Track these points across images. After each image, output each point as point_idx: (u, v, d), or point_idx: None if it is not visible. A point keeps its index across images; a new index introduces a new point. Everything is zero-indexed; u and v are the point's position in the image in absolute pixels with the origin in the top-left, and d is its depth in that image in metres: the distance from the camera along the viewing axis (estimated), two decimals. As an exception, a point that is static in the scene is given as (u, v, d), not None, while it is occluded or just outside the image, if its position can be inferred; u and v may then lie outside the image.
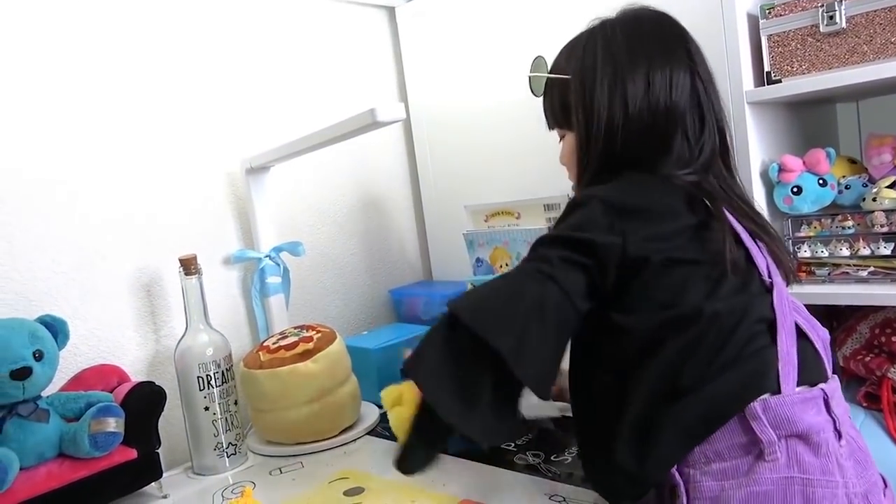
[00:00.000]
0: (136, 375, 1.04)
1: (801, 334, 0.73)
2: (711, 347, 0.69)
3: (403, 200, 1.46)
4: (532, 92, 0.87)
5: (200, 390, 0.99)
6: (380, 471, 0.94)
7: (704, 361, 0.69)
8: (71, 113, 1.00)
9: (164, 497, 0.95)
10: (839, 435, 0.69)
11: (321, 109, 1.28)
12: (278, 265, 1.17)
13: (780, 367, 0.68)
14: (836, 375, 0.75)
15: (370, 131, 0.88)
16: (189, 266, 1.00)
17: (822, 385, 0.70)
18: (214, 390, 0.99)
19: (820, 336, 0.77)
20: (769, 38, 1.03)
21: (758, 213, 0.82)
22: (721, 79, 1.01)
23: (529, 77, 0.86)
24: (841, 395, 0.74)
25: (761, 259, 0.76)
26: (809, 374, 0.71)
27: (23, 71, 0.95)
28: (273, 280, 1.16)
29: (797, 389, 0.68)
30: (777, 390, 0.68)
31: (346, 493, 0.88)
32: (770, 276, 0.75)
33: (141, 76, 1.07)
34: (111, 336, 1.03)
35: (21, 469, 0.84)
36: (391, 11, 1.40)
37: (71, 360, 0.98)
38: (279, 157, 1.06)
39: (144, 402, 0.94)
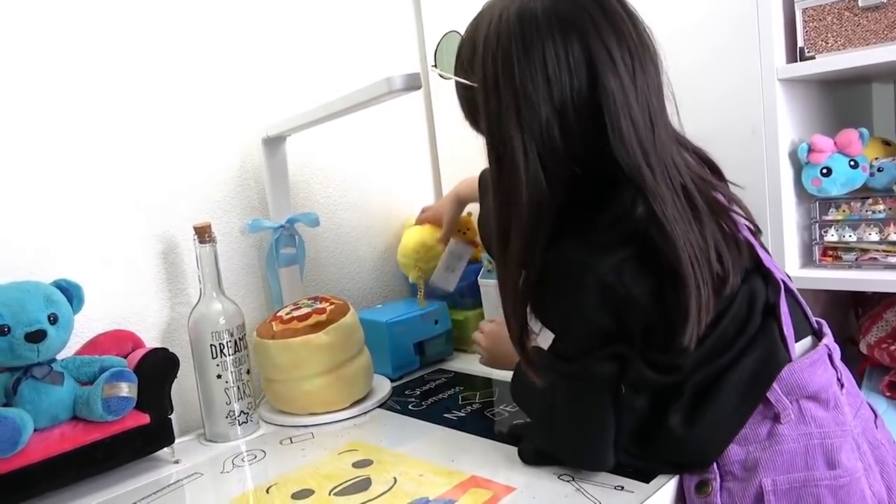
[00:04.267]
0: (152, 342, 1.05)
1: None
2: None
3: (422, 173, 1.44)
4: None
5: (213, 358, 0.99)
6: (389, 443, 0.94)
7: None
8: (91, 80, 0.99)
9: (176, 462, 0.96)
10: (842, 385, 0.74)
11: (341, 77, 1.26)
12: (293, 236, 1.16)
13: (785, 332, 0.70)
14: (822, 321, 0.79)
15: (386, 101, 0.86)
16: (203, 234, 1.00)
17: (825, 341, 0.75)
18: (227, 359, 1.00)
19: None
20: (804, 11, 0.99)
21: (707, 157, 0.78)
22: (751, 54, 0.98)
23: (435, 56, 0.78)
24: (832, 338, 0.77)
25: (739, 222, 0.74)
26: (801, 327, 0.75)
27: (49, 39, 0.95)
28: (287, 251, 1.16)
29: (806, 356, 0.71)
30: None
31: (355, 465, 0.88)
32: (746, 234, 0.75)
33: (161, 43, 1.06)
34: (127, 302, 1.04)
35: (35, 430, 0.85)
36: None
37: (86, 325, 0.99)
38: (295, 126, 1.04)
39: (157, 369, 0.94)
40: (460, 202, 1.22)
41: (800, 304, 0.77)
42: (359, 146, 1.33)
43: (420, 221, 1.29)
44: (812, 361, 0.72)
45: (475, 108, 0.72)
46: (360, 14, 1.32)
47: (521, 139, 0.66)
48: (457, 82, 0.76)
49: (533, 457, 0.82)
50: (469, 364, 1.24)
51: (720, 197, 0.73)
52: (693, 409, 0.70)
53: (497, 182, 0.71)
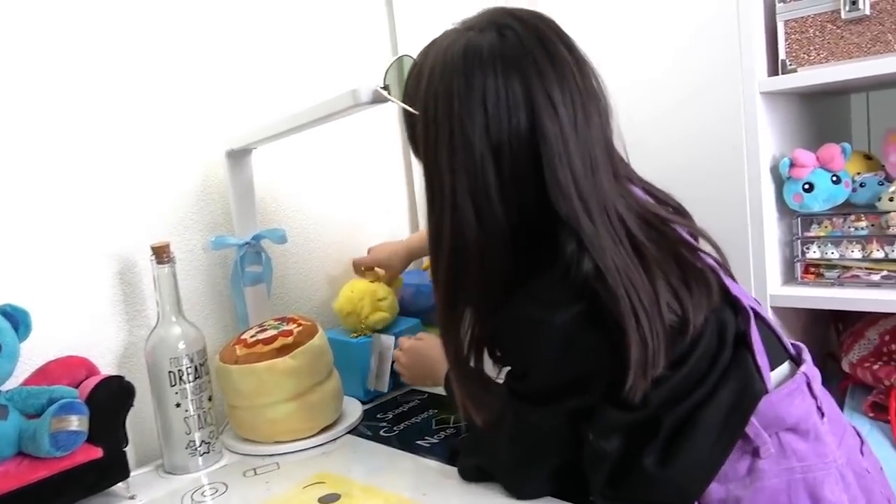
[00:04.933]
0: (108, 368, 0.99)
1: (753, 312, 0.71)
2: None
3: (396, 187, 1.39)
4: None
5: (172, 386, 0.94)
6: (358, 475, 0.90)
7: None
8: (40, 92, 0.93)
9: (132, 498, 0.90)
10: (822, 413, 0.71)
11: (311, 89, 1.21)
12: (259, 253, 1.11)
13: (759, 362, 0.67)
14: (801, 345, 0.76)
15: (353, 113, 0.82)
16: (161, 254, 0.94)
17: (802, 369, 0.71)
18: (187, 386, 0.94)
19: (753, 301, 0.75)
20: (786, 23, 0.97)
21: (668, 198, 0.77)
22: (732, 67, 0.95)
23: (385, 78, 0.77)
24: (812, 364, 0.74)
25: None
26: (775, 354, 0.71)
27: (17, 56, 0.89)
28: (253, 269, 1.11)
29: (782, 386, 0.68)
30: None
31: (321, 501, 0.83)
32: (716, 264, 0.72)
33: (117, 54, 1.00)
34: (80, 327, 0.97)
35: (-24, 469, 0.80)
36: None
37: (35, 352, 0.93)
38: (260, 138, 0.99)
39: (112, 399, 0.89)
40: (410, 255, 1.20)
41: (773, 329, 0.74)
42: (330, 160, 1.28)
43: (357, 266, 1.22)
44: (790, 391, 0.69)
45: (416, 137, 0.71)
46: (332, 24, 1.28)
47: (453, 176, 0.64)
48: (404, 112, 0.73)
49: (473, 473, 0.82)
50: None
51: (683, 233, 0.71)
52: (669, 447, 0.66)
53: (429, 218, 0.69)
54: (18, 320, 0.86)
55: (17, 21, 0.91)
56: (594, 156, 0.65)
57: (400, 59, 0.76)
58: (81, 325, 0.98)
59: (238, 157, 1.07)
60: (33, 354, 0.92)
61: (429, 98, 0.67)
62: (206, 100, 1.10)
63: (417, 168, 1.37)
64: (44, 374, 0.91)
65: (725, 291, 0.70)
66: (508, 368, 0.76)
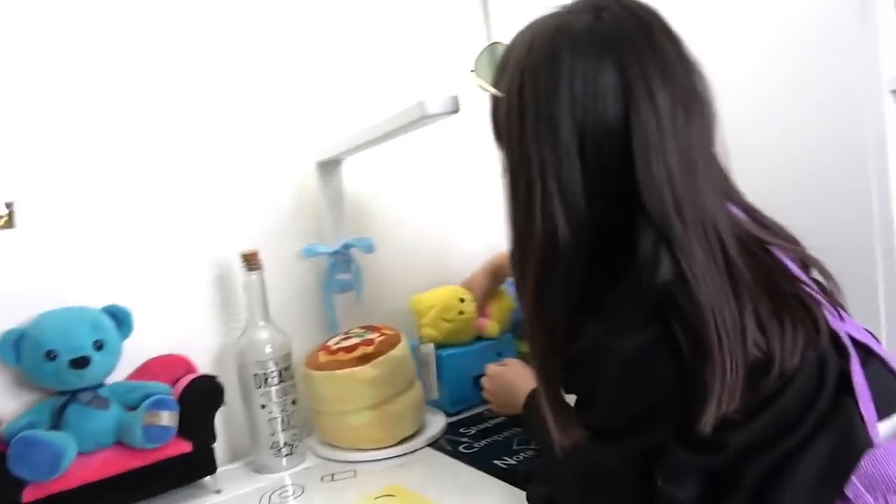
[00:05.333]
0: (206, 368, 1.04)
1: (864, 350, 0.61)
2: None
3: (490, 198, 1.36)
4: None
5: (257, 388, 0.97)
6: (429, 491, 0.88)
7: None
8: (148, 108, 1.01)
9: (218, 492, 0.94)
10: None
11: (402, 99, 1.22)
12: (348, 262, 1.13)
13: (862, 410, 0.57)
14: None
15: (423, 126, 0.80)
16: (251, 261, 0.98)
17: None
18: (271, 389, 0.97)
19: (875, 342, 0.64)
20: (925, 10, 0.84)
21: (772, 223, 0.68)
22: (857, 65, 0.84)
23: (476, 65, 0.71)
24: None
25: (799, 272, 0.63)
26: (887, 401, 0.60)
27: (103, 67, 0.97)
28: (343, 276, 1.13)
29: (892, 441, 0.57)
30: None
31: (386, 513, 0.83)
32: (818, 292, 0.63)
33: (218, 68, 1.06)
34: (182, 327, 1.04)
35: (79, 454, 0.86)
36: (485, -8, 1.31)
37: (140, 350, 1.00)
38: (345, 150, 1.01)
39: (202, 397, 0.94)
40: (495, 275, 1.16)
41: (892, 371, 0.63)
42: (424, 170, 1.28)
43: None
44: None
45: (499, 122, 0.66)
46: (428, 32, 1.28)
47: (540, 162, 0.59)
48: (491, 97, 0.69)
49: (540, 501, 0.76)
50: (535, 401, 1.15)
51: (786, 261, 0.62)
52: (755, 501, 0.58)
53: (511, 212, 0.64)
54: (121, 320, 0.93)
55: (126, 41, 0.99)
56: (693, 159, 0.58)
57: (492, 45, 0.72)
58: (183, 326, 1.04)
59: (328, 167, 1.09)
60: (139, 352, 0.99)
61: (514, 79, 0.63)
62: (300, 113, 1.14)
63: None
64: (146, 370, 0.98)
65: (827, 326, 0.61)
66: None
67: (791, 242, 0.68)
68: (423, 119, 0.76)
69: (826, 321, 0.60)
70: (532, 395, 0.88)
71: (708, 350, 0.54)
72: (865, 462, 0.56)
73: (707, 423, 0.55)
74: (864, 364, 0.60)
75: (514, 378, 0.99)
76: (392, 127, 0.82)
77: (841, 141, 0.86)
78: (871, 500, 0.56)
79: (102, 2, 0.97)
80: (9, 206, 0.92)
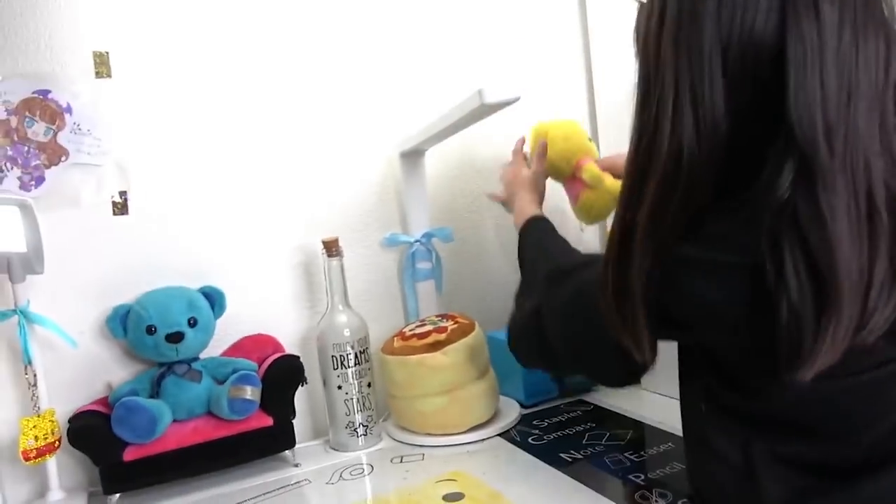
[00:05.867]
0: (292, 347, 1.11)
1: None
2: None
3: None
4: None
5: (334, 369, 1.02)
6: (491, 478, 0.88)
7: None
8: (243, 97, 1.09)
9: (296, 465, 1.00)
10: None
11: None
12: (429, 251, 1.15)
13: None
14: None
15: (485, 116, 0.81)
16: (331, 248, 1.03)
17: None
18: (348, 371, 1.02)
19: None
20: None
21: None
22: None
23: None
24: None
25: None
26: None
27: (201, 65, 1.06)
28: (423, 265, 1.15)
29: None
30: None
31: (445, 498, 0.84)
32: None
33: (307, 64, 1.12)
34: (271, 308, 1.11)
35: (174, 421, 0.95)
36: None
37: (235, 328, 1.08)
38: (421, 140, 1.03)
39: (283, 374, 1.00)
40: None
41: None
42: (502, 157, 1.27)
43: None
44: None
45: (640, 26, 0.61)
46: (519, 24, 1.27)
47: (675, 70, 0.54)
48: (638, 4, 0.63)
49: (528, 308, 0.80)
50: (616, 399, 1.12)
51: None
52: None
53: (637, 121, 0.59)
54: (215, 300, 1.01)
55: (221, 42, 1.07)
56: (856, 81, 0.51)
57: None
58: (272, 308, 1.11)
59: (411, 157, 1.12)
60: (233, 329, 1.08)
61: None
62: (385, 104, 1.17)
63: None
64: (238, 348, 1.06)
65: None
66: None
67: None
68: (481, 108, 0.76)
69: None
70: (530, 221, 0.95)
71: (831, 294, 0.48)
72: None
73: (807, 372, 0.50)
74: None
75: (516, 187, 1.03)
76: (454, 118, 0.83)
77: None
78: None
79: (209, 9, 1.06)
80: (123, 194, 1.03)
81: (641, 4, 0.62)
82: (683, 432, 0.70)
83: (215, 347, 1.05)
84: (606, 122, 1.28)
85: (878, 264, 0.49)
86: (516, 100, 0.77)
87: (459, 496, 0.84)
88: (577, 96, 1.31)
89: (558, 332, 0.76)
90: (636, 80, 0.60)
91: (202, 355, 1.02)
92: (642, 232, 0.57)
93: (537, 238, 0.93)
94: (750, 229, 0.51)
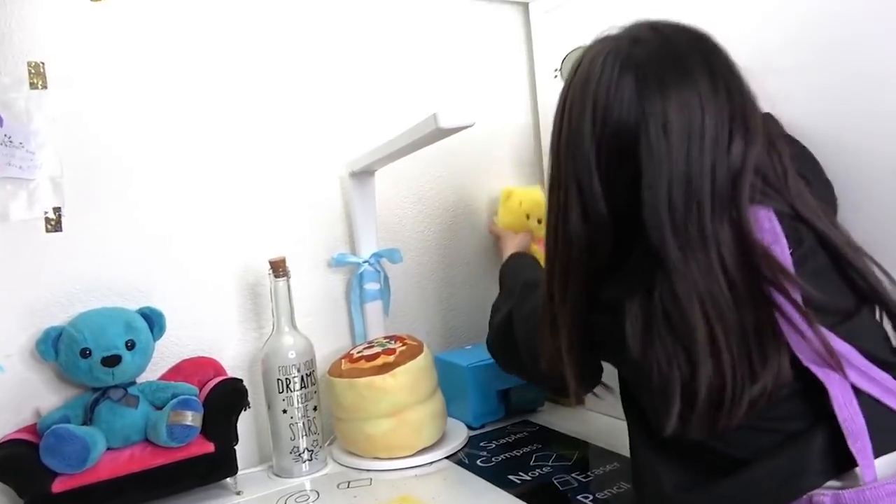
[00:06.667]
0: (235, 371, 1.07)
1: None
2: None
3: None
4: None
5: (279, 392, 1.00)
6: (441, 503, 0.88)
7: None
8: (186, 111, 1.05)
9: (238, 493, 0.97)
10: None
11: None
12: (377, 272, 1.14)
13: (851, 445, 0.55)
14: None
15: (439, 140, 0.81)
16: (278, 268, 1.01)
17: None
18: (293, 394, 1.00)
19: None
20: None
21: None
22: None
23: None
24: None
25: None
26: (885, 438, 0.57)
27: (142, 77, 1.02)
28: (371, 286, 1.14)
29: (890, 479, 0.55)
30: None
31: (394, 523, 0.83)
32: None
33: (255, 77, 1.10)
34: (213, 330, 1.07)
35: (108, 449, 0.91)
36: (524, 7, 1.32)
37: (174, 351, 1.04)
38: (372, 161, 1.03)
39: (225, 399, 0.97)
40: None
41: (886, 406, 0.59)
42: (458, 180, 1.29)
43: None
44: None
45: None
46: (465, 46, 1.29)
47: (566, 164, 0.64)
48: None
49: (504, 312, 0.92)
50: (561, 419, 1.14)
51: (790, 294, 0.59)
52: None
53: (547, 211, 0.69)
54: (154, 322, 0.97)
55: (165, 56, 1.04)
56: (704, 186, 0.59)
57: (576, 51, 0.77)
58: (214, 330, 1.07)
59: (361, 177, 1.12)
60: (172, 353, 1.04)
61: (562, 93, 0.68)
62: (335, 123, 1.16)
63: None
64: (177, 371, 1.02)
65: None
66: None
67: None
68: (436, 132, 0.77)
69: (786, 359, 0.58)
70: (511, 256, 1.09)
71: (698, 367, 0.56)
72: (853, 499, 0.54)
73: (677, 428, 0.58)
74: (857, 393, 0.57)
75: (504, 244, 1.16)
76: (408, 141, 0.83)
77: None
78: None
79: (150, 22, 1.03)
80: (57, 210, 0.98)
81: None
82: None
83: (152, 371, 1.00)
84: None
85: (732, 342, 0.57)
86: (470, 125, 0.78)
87: (409, 521, 0.83)
88: (523, 119, 1.34)
89: (523, 337, 0.86)
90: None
91: (139, 380, 0.97)
92: (558, 302, 0.68)
93: (520, 261, 1.06)
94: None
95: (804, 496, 0.56)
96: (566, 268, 0.66)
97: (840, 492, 0.55)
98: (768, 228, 0.61)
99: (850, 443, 0.56)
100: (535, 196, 1.19)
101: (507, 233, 1.20)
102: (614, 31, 0.67)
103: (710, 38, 0.64)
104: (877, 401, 0.59)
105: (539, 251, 1.15)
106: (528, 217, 1.19)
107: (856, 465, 0.56)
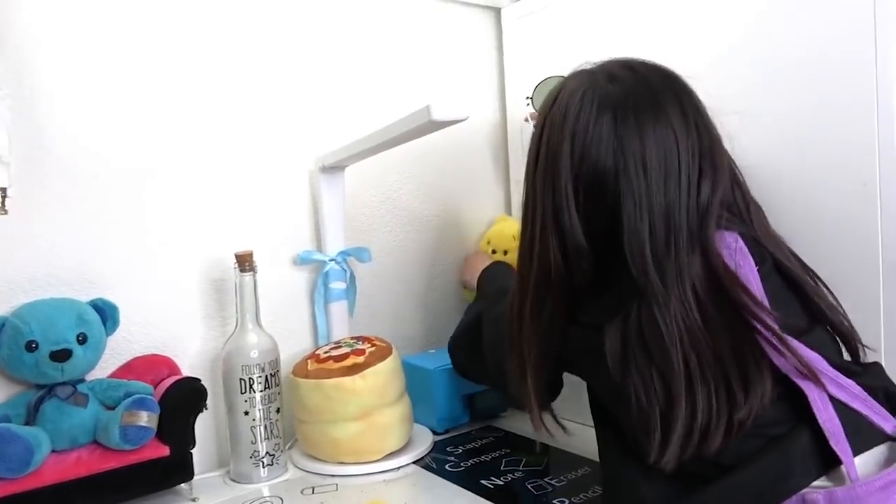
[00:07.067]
0: (193, 370, 1.01)
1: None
2: None
3: (493, 210, 1.35)
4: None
5: (242, 393, 0.95)
6: (412, 508, 0.85)
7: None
8: (150, 94, 0.99)
9: (194, 500, 0.91)
10: None
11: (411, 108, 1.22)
12: (344, 270, 1.11)
13: (834, 445, 0.58)
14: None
15: (430, 132, 0.79)
16: (244, 262, 0.96)
17: None
18: (256, 395, 0.95)
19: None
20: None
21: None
22: (866, 86, 0.82)
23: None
24: None
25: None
26: (864, 435, 0.60)
27: (108, 63, 0.96)
28: (337, 285, 1.11)
29: (878, 476, 0.57)
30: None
31: (368, 529, 0.80)
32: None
33: (224, 67, 1.05)
34: (170, 327, 1.01)
35: (53, 451, 0.84)
36: (496, 12, 1.32)
37: (126, 347, 0.97)
38: (348, 156, 1.00)
39: (183, 399, 0.91)
40: None
41: (855, 410, 0.62)
42: (428, 178, 1.27)
43: None
44: (886, 483, 0.57)
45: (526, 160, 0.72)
46: (439, 48, 1.28)
47: (542, 198, 0.66)
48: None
49: (474, 311, 0.96)
50: (524, 423, 1.12)
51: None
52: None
53: (520, 238, 0.71)
54: (107, 315, 0.91)
55: (128, 41, 0.98)
56: (680, 223, 0.62)
57: (551, 79, 0.81)
58: (171, 326, 1.01)
59: (331, 173, 1.08)
60: (124, 349, 0.97)
61: (538, 123, 0.69)
62: (305, 115, 1.12)
63: (517, 195, 1.33)
64: (129, 368, 0.96)
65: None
66: None
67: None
68: (429, 125, 0.75)
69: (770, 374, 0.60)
70: (493, 263, 1.10)
71: (675, 397, 0.58)
72: (845, 496, 0.56)
73: (669, 462, 0.59)
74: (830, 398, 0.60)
75: (477, 266, 1.13)
76: (398, 132, 0.81)
77: (849, 169, 0.84)
78: None
79: (107, 7, 0.97)
80: (2, 191, 0.90)
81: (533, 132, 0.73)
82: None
83: (101, 369, 0.93)
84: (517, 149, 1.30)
85: (708, 374, 0.59)
86: (464, 119, 0.77)
87: (383, 527, 0.80)
88: (492, 119, 1.34)
89: (490, 340, 0.88)
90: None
91: (88, 377, 0.90)
92: (529, 324, 0.69)
93: (500, 267, 1.08)
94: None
95: (795, 497, 0.57)
96: (542, 289, 0.68)
97: (833, 490, 0.57)
98: (735, 247, 0.65)
99: (832, 443, 0.58)
100: (502, 227, 1.22)
101: (482, 254, 1.22)
102: (589, 67, 0.69)
103: (680, 78, 0.67)
104: (846, 405, 0.61)
105: None
106: (488, 242, 1.22)
107: (838, 464, 0.58)
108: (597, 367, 0.64)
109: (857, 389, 0.63)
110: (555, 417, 0.75)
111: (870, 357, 0.71)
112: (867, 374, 0.67)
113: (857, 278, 0.82)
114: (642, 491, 0.63)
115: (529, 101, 1.12)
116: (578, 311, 0.67)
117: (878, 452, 0.61)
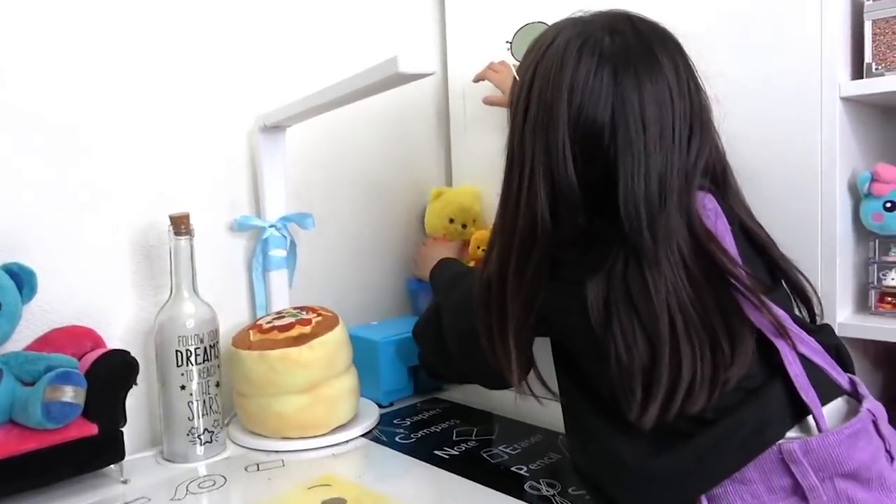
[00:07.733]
0: (118, 343, 0.93)
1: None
2: None
3: (436, 178, 1.32)
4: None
5: (178, 366, 0.88)
6: (369, 481, 0.82)
7: None
8: (75, 49, 0.90)
9: (125, 482, 0.84)
10: (891, 457, 0.63)
11: (352, 65, 1.16)
12: (284, 237, 1.05)
13: (804, 396, 0.60)
14: (856, 379, 0.67)
15: (394, 87, 0.75)
16: (179, 224, 0.89)
17: (866, 406, 0.63)
18: (193, 368, 0.88)
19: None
20: (874, 23, 0.87)
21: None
22: (811, 69, 0.86)
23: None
24: (873, 399, 0.66)
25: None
26: (824, 390, 0.63)
27: (29, 8, 0.86)
28: (277, 253, 1.05)
29: (845, 425, 0.60)
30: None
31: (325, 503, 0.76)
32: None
33: (158, 14, 0.96)
34: (95, 296, 0.92)
35: (-38, 433, 0.75)
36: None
37: (43, 318, 0.88)
38: (294, 114, 0.94)
39: (112, 373, 0.83)
40: None
41: (816, 363, 0.65)
42: (368, 143, 1.22)
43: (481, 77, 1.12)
44: (853, 432, 0.60)
45: (512, 103, 0.69)
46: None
47: (534, 150, 0.63)
48: (514, 79, 0.73)
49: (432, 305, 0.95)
50: (469, 395, 1.11)
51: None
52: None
53: (503, 193, 0.68)
54: (23, 281, 0.82)
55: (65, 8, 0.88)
56: (671, 182, 0.61)
57: (532, 25, 0.76)
58: (96, 295, 0.93)
59: (271, 134, 1.02)
60: (41, 320, 0.88)
61: (528, 72, 0.66)
62: (241, 72, 1.05)
63: (457, 158, 1.30)
64: (46, 341, 0.87)
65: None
66: None
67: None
68: (395, 77, 0.71)
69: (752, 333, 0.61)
70: (441, 260, 1.05)
71: (655, 355, 0.58)
72: (816, 445, 0.58)
73: (639, 414, 0.59)
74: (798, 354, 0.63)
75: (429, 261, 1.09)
76: (358, 85, 0.76)
77: (796, 142, 0.88)
78: (816, 481, 0.58)
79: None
80: None
81: (515, 80, 0.71)
82: (564, 420, 0.73)
83: (14, 342, 0.84)
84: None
85: (693, 332, 0.59)
86: (431, 73, 0.73)
87: (341, 501, 0.77)
88: (434, 85, 1.30)
89: (452, 327, 0.86)
90: (504, 153, 0.68)
91: (1, 350, 0.81)
92: (512, 281, 0.66)
93: (449, 262, 1.05)
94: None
95: (773, 448, 0.59)
96: (526, 244, 0.65)
97: (808, 439, 0.59)
98: (711, 208, 0.66)
99: (802, 395, 0.60)
100: (462, 201, 1.19)
101: (435, 244, 1.18)
102: (586, 17, 0.67)
103: (675, 37, 0.67)
104: (809, 360, 0.64)
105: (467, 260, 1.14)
106: (451, 221, 1.19)
107: (806, 415, 0.60)
108: (577, 321, 0.62)
109: (817, 346, 0.66)
110: (541, 379, 0.72)
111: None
112: (822, 333, 0.70)
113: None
114: (621, 449, 0.62)
115: (509, 45, 1.08)
116: (559, 267, 0.65)
117: (837, 405, 0.64)
